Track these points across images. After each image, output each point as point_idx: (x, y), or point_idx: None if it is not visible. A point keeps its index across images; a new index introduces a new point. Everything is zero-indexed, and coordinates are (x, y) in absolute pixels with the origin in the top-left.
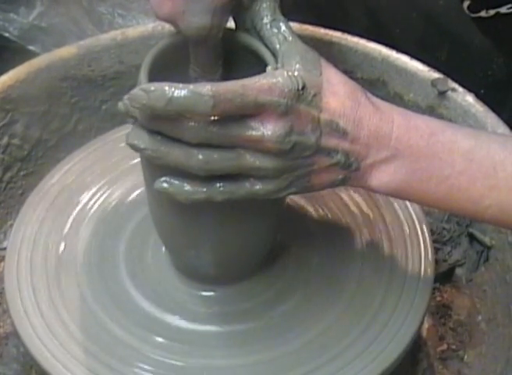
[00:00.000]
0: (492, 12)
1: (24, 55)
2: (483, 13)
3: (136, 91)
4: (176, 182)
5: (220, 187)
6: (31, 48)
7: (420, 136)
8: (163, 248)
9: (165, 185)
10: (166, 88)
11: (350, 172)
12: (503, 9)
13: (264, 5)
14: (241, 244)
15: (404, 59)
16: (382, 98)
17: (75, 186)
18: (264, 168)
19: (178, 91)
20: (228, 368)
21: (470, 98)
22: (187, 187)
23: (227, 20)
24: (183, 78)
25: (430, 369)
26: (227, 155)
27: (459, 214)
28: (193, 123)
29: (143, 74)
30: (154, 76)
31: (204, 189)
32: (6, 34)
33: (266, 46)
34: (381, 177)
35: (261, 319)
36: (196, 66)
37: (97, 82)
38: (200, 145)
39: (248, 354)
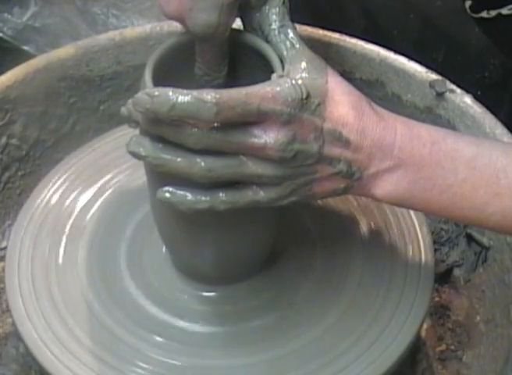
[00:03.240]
0: (493, 13)
1: (18, 55)
2: (484, 14)
3: (140, 95)
4: (179, 192)
5: (223, 196)
6: (25, 48)
7: (422, 145)
8: (164, 248)
9: (167, 195)
10: (170, 93)
11: (353, 181)
12: (505, 10)
13: (274, 11)
14: (242, 245)
15: (402, 60)
16: (380, 99)
17: (74, 186)
18: (266, 175)
19: (182, 97)
20: (228, 368)
21: (468, 99)
22: (190, 196)
23: (234, 18)
24: (187, 78)
25: (429, 370)
26: (229, 163)
27: (463, 222)
28: (196, 130)
29: (147, 73)
30: (158, 76)
31: (207, 198)
32: (0, 34)
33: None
34: (384, 186)
35: (261, 320)
36: (201, 64)
37: (95, 82)
38: (202, 153)
39: (248, 354)
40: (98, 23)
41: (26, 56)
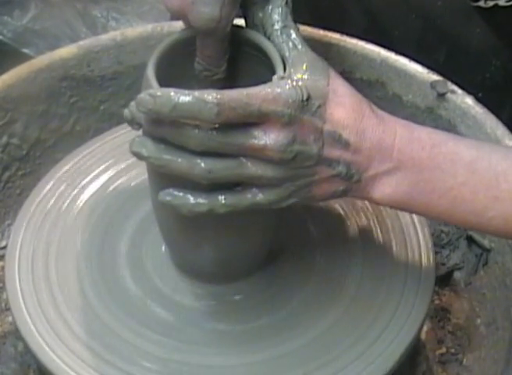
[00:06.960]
0: (490, 3)
1: (17, 58)
2: (482, 3)
3: (143, 95)
4: (179, 194)
5: (222, 199)
6: (25, 50)
7: (422, 147)
8: (163, 246)
9: (168, 198)
10: (172, 94)
11: (352, 183)
12: (502, 2)
13: (276, 11)
14: (241, 244)
15: (403, 61)
16: (381, 99)
17: (74, 186)
18: (265, 177)
19: (183, 97)
20: (227, 367)
21: (469, 100)
22: (191, 199)
23: (236, 13)
24: (188, 74)
25: (429, 373)
26: (230, 164)
27: (463, 226)
28: (197, 131)
29: (150, 71)
30: (160, 73)
31: (207, 201)
32: (0, 37)
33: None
34: (383, 189)
35: (261, 319)
36: (201, 60)
37: (96, 82)
38: (203, 154)
39: (248, 353)
40: (98, 26)
41: (25, 59)
